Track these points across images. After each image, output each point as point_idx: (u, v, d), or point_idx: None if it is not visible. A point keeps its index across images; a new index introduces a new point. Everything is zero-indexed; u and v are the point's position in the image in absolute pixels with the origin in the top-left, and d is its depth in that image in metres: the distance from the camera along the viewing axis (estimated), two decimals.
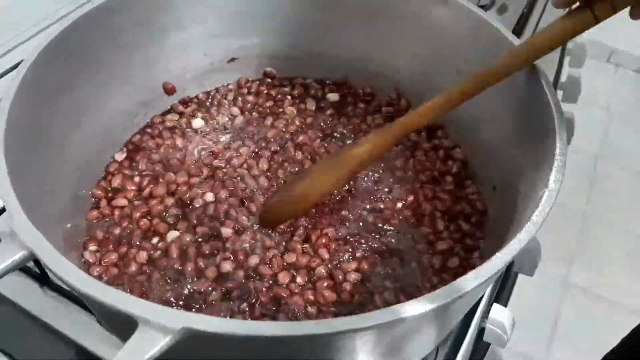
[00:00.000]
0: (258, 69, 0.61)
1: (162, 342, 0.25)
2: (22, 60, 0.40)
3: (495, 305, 0.49)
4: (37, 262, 0.44)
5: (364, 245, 0.46)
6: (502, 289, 0.54)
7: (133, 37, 0.50)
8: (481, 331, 0.49)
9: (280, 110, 0.58)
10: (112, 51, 0.49)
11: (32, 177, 0.38)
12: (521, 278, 0.60)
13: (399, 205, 0.49)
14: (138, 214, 0.47)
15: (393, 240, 0.46)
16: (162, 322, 0.26)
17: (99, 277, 0.43)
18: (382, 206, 0.48)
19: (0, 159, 0.33)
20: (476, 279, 0.28)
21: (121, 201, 0.48)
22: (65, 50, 0.44)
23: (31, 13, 0.67)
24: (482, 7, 0.74)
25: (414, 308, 0.25)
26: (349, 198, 0.49)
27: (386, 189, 0.50)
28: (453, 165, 0.52)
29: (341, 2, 0.56)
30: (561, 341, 1.17)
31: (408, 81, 0.57)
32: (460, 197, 0.49)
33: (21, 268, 0.46)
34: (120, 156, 0.52)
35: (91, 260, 0.44)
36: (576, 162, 1.62)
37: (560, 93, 0.81)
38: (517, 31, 0.76)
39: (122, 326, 0.29)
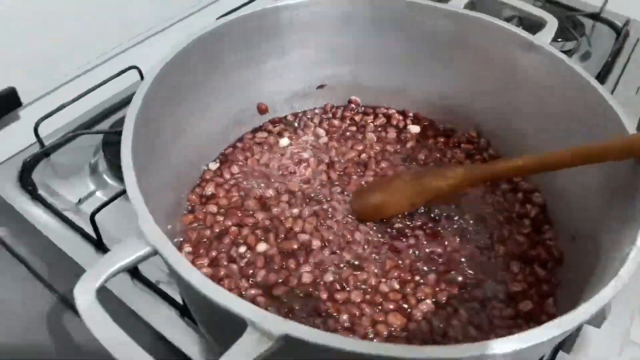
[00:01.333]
0: (344, 96, 0.64)
1: (267, 345, 0.28)
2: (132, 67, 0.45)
3: (561, 353, 0.49)
4: None
5: (434, 276, 0.47)
6: (568, 336, 0.54)
7: (235, 61, 0.54)
8: None
9: (361, 136, 0.61)
10: (216, 72, 0.53)
11: (148, 180, 0.42)
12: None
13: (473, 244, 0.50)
14: (229, 222, 0.51)
15: (466, 277, 0.47)
16: (268, 327, 0.28)
17: None
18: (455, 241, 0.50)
19: (128, 159, 0.37)
20: (560, 327, 0.29)
21: (212, 208, 0.52)
22: (180, 67, 0.48)
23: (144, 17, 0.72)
24: (566, 52, 0.76)
25: (504, 346, 0.27)
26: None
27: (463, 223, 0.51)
28: (532, 209, 0.52)
29: (432, 37, 0.58)
30: None
31: (488, 121, 0.59)
32: (537, 241, 0.50)
33: None
34: (213, 165, 0.56)
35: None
36: None
37: None
38: (600, 79, 0.76)
39: (226, 329, 0.32)
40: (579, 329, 0.58)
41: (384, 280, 0.47)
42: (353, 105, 0.64)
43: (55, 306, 0.50)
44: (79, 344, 0.47)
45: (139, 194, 0.35)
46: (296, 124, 0.62)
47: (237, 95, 0.57)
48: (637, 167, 0.39)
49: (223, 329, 0.34)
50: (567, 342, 0.53)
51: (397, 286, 0.46)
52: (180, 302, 0.49)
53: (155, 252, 0.33)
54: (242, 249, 0.49)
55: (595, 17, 0.89)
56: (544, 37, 0.53)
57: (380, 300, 0.46)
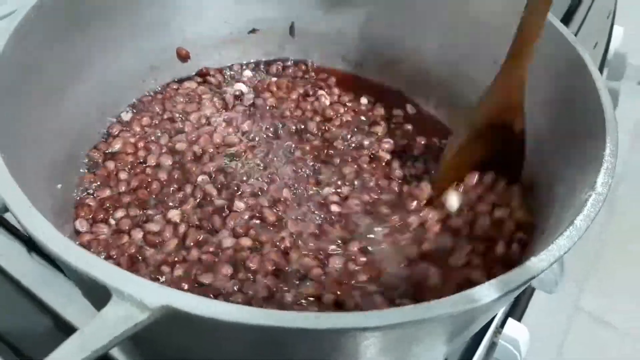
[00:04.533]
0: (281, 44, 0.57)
1: (138, 319, 0.22)
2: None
3: (511, 321, 0.45)
4: None
5: None
6: (518, 303, 0.51)
7: None
8: (492, 346, 0.45)
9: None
10: (123, 4, 0.45)
11: (24, 129, 0.34)
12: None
13: None
14: (136, 183, 0.43)
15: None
16: (139, 297, 0.22)
17: (88, 245, 0.40)
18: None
19: None
20: (506, 285, 0.24)
21: (118, 165, 0.44)
22: None
23: None
24: None
25: (433, 310, 0.21)
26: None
27: None
28: None
29: None
30: None
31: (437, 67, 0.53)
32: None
33: (10, 230, 0.44)
34: (126, 116, 0.49)
35: (82, 230, 0.41)
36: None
37: (605, 71, 0.76)
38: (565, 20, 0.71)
39: (98, 297, 0.25)
40: (529, 295, 0.54)
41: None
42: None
43: None
44: None
45: None
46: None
47: (152, 35, 0.49)
48: (599, 107, 0.34)
49: (94, 295, 0.28)
50: (517, 309, 0.49)
51: None
52: None
53: (5, 208, 0.26)
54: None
55: None
56: None
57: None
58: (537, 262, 0.25)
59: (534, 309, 0.56)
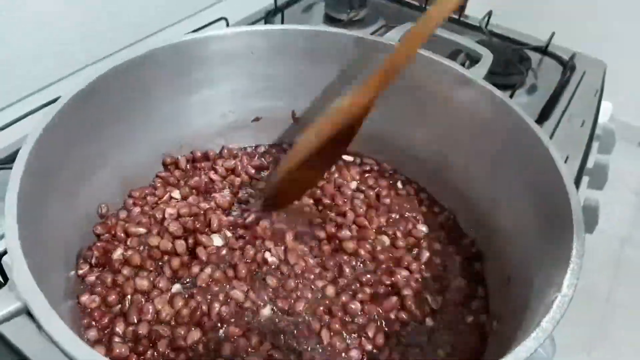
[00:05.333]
0: (282, 129, 0.61)
1: None
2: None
3: None
4: None
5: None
6: None
7: (162, 92, 0.52)
8: None
9: None
10: (138, 104, 0.50)
11: (42, 224, 0.38)
12: None
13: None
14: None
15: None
16: None
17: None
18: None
19: (12, 206, 0.33)
20: None
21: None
22: (96, 97, 0.45)
23: (64, 57, 0.69)
24: (512, 86, 0.75)
25: None
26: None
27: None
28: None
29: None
30: None
31: (428, 157, 0.57)
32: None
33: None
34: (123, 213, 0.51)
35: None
36: (602, 245, 1.58)
37: (586, 179, 0.79)
38: (546, 111, 0.75)
39: None
40: None
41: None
42: None
43: None
44: None
45: (18, 243, 0.31)
46: None
47: (163, 128, 0.54)
48: (568, 210, 0.37)
49: None
50: None
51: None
52: None
53: (26, 308, 0.29)
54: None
55: (542, 51, 0.89)
56: (479, 71, 0.51)
57: None
58: None
59: None
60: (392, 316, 0.45)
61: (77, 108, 0.43)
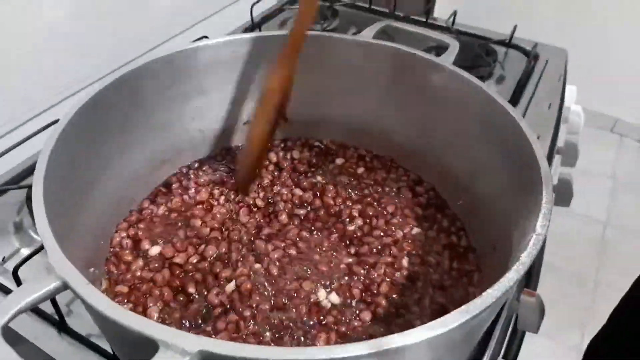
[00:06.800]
0: None
1: None
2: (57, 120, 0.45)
3: None
4: (56, 306, 0.48)
5: None
6: (509, 347, 0.55)
7: (158, 100, 0.56)
8: None
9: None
10: (136, 115, 0.54)
11: (67, 222, 0.41)
12: (538, 343, 0.60)
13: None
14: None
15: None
16: (181, 345, 0.28)
17: None
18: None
19: (39, 196, 0.37)
20: (467, 313, 0.30)
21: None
22: (99, 108, 0.49)
23: (67, 76, 0.73)
24: (480, 77, 0.81)
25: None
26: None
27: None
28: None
29: (352, 69, 0.61)
30: None
31: (410, 140, 0.62)
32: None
33: (41, 314, 0.50)
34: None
35: None
36: (586, 231, 1.64)
37: (558, 157, 0.85)
38: (515, 98, 0.81)
39: (141, 352, 0.31)
40: (520, 338, 0.59)
41: None
42: None
43: None
44: None
45: (48, 228, 0.35)
46: None
47: (160, 135, 0.58)
48: (535, 164, 0.42)
49: (144, 354, 0.33)
50: (509, 353, 0.53)
51: None
52: (111, 352, 0.48)
53: (65, 286, 0.32)
54: None
55: (506, 43, 0.95)
56: (447, 58, 0.57)
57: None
58: (491, 292, 0.31)
59: (539, 356, 0.60)
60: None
61: (82, 118, 0.47)
